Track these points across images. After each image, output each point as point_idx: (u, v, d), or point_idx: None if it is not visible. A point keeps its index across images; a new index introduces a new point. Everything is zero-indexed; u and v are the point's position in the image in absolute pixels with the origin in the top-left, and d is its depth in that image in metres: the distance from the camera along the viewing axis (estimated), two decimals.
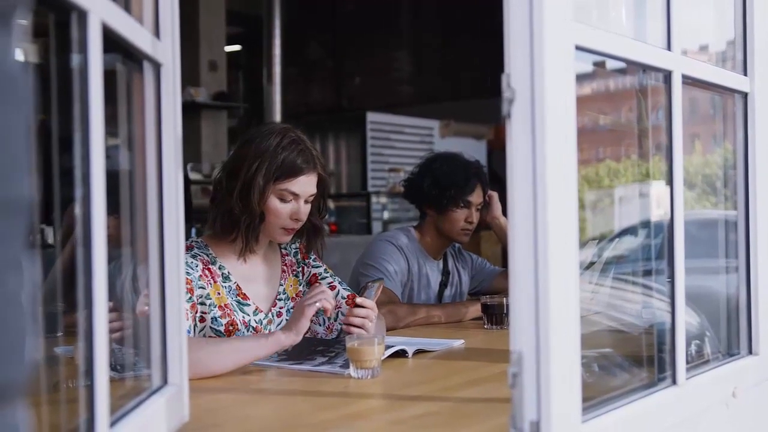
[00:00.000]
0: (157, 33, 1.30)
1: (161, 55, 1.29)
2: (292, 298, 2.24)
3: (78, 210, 0.97)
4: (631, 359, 1.65)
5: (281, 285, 2.23)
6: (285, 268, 2.26)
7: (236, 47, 9.22)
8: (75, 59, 0.97)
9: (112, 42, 1.06)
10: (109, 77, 1.03)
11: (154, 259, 1.31)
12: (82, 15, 0.95)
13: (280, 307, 2.21)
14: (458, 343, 2.26)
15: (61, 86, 0.98)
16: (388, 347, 1.95)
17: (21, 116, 0.49)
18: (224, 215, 2.10)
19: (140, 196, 1.31)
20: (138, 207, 1.31)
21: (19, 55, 0.52)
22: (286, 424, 1.48)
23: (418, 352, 2.09)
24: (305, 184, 2.09)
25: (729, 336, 1.80)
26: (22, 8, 0.53)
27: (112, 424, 1.04)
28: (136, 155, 1.31)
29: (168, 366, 1.32)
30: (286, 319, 2.17)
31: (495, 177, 6.10)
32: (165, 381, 1.32)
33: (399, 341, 2.14)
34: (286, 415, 1.55)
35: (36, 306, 0.54)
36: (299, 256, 2.30)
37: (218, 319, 2.05)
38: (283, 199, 2.08)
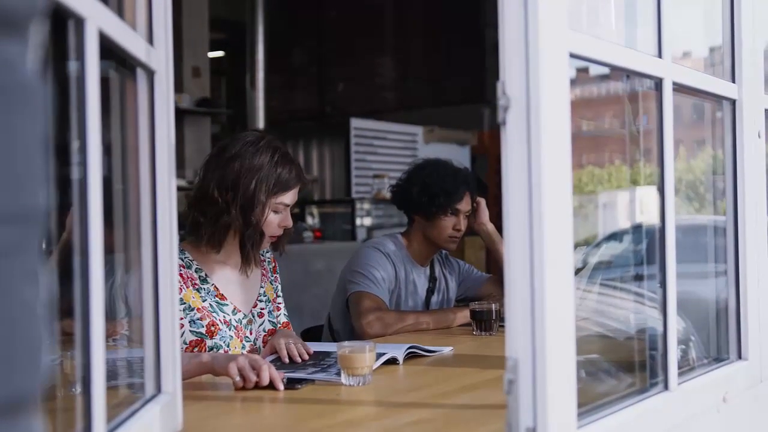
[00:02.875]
0: (150, 40, 1.29)
1: (155, 63, 1.29)
2: (272, 301, 2.32)
3: (74, 217, 0.96)
4: (622, 365, 1.66)
5: (261, 287, 2.30)
6: (264, 272, 2.34)
7: (219, 53, 9.20)
8: (71, 66, 0.97)
9: (106, 49, 1.06)
10: (102, 84, 1.02)
11: (147, 267, 1.31)
12: (80, 22, 0.95)
13: (261, 308, 2.27)
14: (447, 350, 2.26)
15: (55, 93, 0.97)
16: (379, 355, 1.95)
17: (37, 126, 0.49)
18: (222, 229, 2.13)
19: (133, 203, 1.30)
20: (131, 214, 1.30)
21: (33, 65, 0.52)
22: None
23: (410, 355, 2.09)
24: (294, 195, 2.21)
25: (718, 341, 1.81)
26: (37, 18, 0.53)
27: None
28: (129, 162, 1.31)
29: (161, 374, 1.32)
30: (268, 320, 2.27)
31: (478, 182, 6.10)
32: (159, 389, 1.31)
33: (388, 348, 2.14)
34: (280, 423, 1.54)
35: (50, 316, 0.54)
36: (269, 267, 2.38)
37: (197, 321, 2.10)
38: (276, 211, 2.17)
